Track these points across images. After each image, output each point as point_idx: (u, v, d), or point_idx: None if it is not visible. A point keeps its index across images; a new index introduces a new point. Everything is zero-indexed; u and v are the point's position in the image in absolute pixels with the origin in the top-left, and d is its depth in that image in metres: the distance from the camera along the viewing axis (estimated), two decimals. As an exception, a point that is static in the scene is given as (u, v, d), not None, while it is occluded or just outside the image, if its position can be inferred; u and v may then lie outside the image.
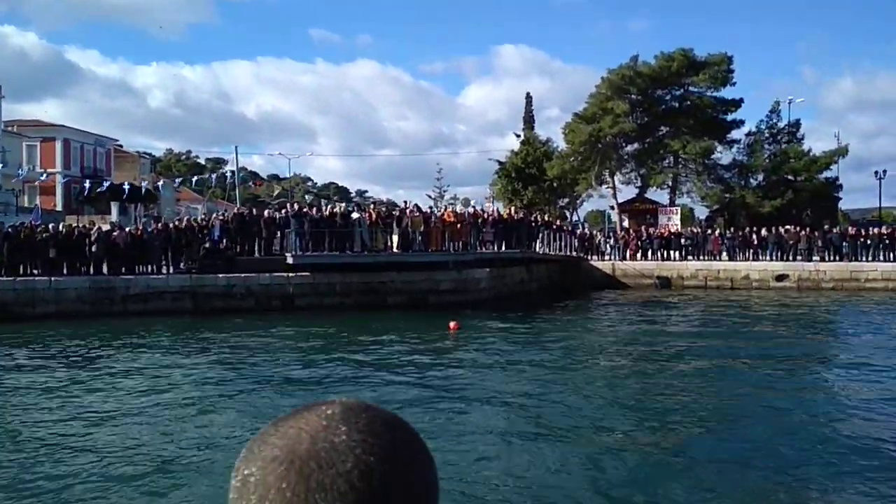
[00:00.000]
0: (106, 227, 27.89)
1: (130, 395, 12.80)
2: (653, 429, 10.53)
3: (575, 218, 57.60)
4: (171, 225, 27.62)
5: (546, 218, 40.05)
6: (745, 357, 16.48)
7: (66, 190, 58.30)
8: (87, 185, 47.48)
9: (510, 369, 15.11)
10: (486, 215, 32.64)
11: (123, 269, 25.50)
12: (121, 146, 74.61)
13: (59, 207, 55.41)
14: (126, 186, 45.49)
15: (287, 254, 26.62)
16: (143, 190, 46.84)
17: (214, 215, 29.89)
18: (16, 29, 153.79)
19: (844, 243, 37.20)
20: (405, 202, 30.20)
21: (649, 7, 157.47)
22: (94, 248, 25.26)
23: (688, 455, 9.25)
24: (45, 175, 53.42)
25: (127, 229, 27.06)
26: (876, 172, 47.05)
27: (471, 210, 33.81)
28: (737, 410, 11.60)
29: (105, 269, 25.44)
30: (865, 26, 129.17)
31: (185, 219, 29.50)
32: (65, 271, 25.11)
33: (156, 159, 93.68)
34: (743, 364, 15.70)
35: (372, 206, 31.99)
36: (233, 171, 48.10)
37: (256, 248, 27.92)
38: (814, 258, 36.70)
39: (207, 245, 26.47)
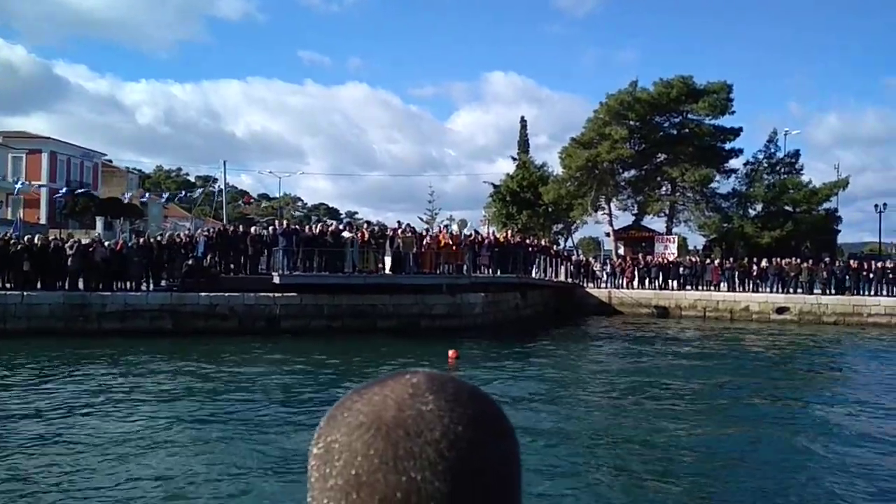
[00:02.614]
0: (85, 241, 26.68)
1: (91, 422, 11.63)
2: (645, 465, 10.19)
3: (569, 244, 56.71)
4: (153, 240, 26.42)
5: (543, 243, 39.05)
6: (747, 395, 16.03)
7: (50, 203, 57.11)
8: (62, 190, 46.23)
9: (510, 403, 14.03)
10: (482, 238, 31.67)
11: (101, 285, 24.28)
12: (109, 161, 73.54)
13: (43, 220, 54.20)
14: (95, 194, 44.22)
15: (274, 273, 25.45)
16: (127, 203, 45.67)
17: (199, 231, 28.75)
18: (4, 42, 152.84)
19: (846, 277, 36.37)
20: (398, 222, 29.13)
21: (637, 39, 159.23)
22: (70, 262, 24.02)
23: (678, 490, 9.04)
24: (30, 186, 52.33)
25: (106, 243, 25.85)
26: (876, 206, 46.62)
27: (467, 232, 32.83)
28: (731, 451, 11.13)
29: (81, 285, 24.19)
30: (850, 64, 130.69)
31: (168, 234, 28.28)
32: (39, 286, 23.87)
33: (145, 175, 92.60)
34: (744, 402, 15.24)
35: (364, 225, 30.90)
36: (221, 189, 46.92)
37: (242, 266, 26.79)
38: (815, 291, 35.85)
39: (191, 262, 25.30)
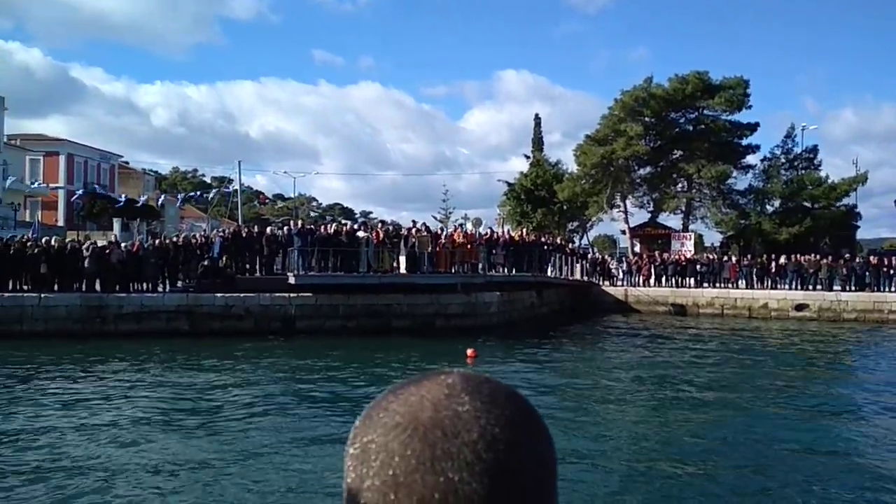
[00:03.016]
0: (102, 243, 26.82)
1: (111, 422, 11.64)
2: (663, 466, 10.00)
3: (584, 242, 56.42)
4: (168, 241, 26.50)
5: (558, 241, 38.83)
6: (767, 394, 15.73)
7: (68, 205, 57.55)
8: (79, 192, 46.62)
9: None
10: (497, 237, 31.52)
11: (117, 286, 24.38)
12: (126, 163, 74.04)
13: (60, 223, 54.64)
14: (122, 199, 44.54)
15: (289, 273, 25.46)
16: (142, 204, 45.92)
17: (214, 231, 28.82)
18: (21, 45, 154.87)
19: (867, 273, 35.88)
20: (413, 222, 29.05)
21: (648, 37, 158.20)
22: (87, 264, 24.14)
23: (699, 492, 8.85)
24: (48, 188, 52.79)
25: (123, 245, 25.96)
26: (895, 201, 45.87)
27: (482, 231, 32.69)
28: (749, 451, 10.91)
29: (98, 287, 24.30)
30: (867, 60, 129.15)
31: (184, 235, 28.36)
32: (56, 288, 24.00)
33: (161, 177, 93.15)
34: (763, 401, 14.92)
35: (379, 225, 30.84)
36: (236, 189, 47.05)
37: (258, 266, 26.83)
38: (835, 287, 35.41)
39: (206, 263, 25.35)
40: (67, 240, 27.66)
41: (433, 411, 0.65)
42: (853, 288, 35.42)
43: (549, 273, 33.96)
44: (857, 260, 37.98)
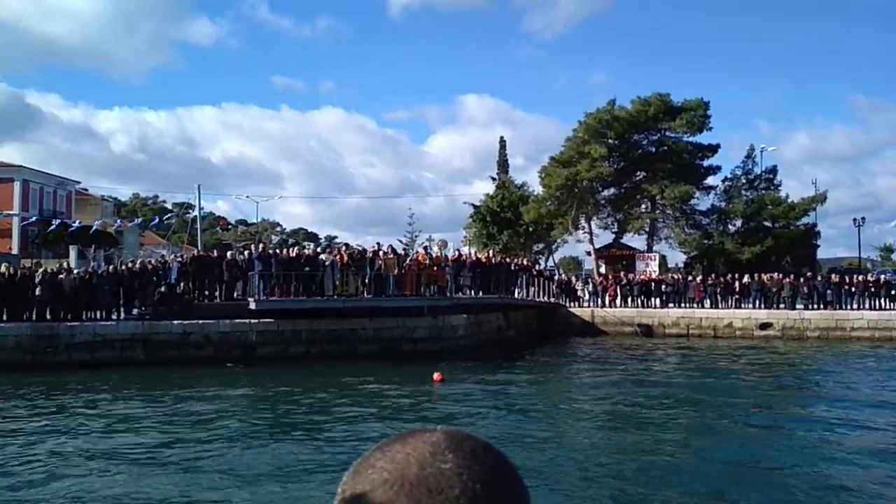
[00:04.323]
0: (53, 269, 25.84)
1: (60, 459, 10.93)
2: (624, 486, 9.89)
3: (550, 264, 56.40)
4: (124, 267, 25.62)
5: (525, 262, 38.65)
6: (732, 414, 15.63)
7: (23, 232, 55.90)
8: (32, 218, 45.32)
9: (496, 426, 13.50)
10: (464, 258, 31.19)
11: (70, 314, 23.45)
12: (85, 189, 72.37)
13: (15, 250, 53.01)
14: (76, 224, 43.36)
15: (250, 298, 24.75)
16: (97, 230, 44.70)
17: (172, 257, 27.98)
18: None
19: (828, 291, 36.27)
20: (377, 244, 28.58)
21: (606, 62, 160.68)
22: (38, 292, 23.19)
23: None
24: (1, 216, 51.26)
25: (76, 271, 25.04)
26: (854, 220, 46.94)
27: (449, 252, 32.33)
28: (717, 473, 10.71)
29: (49, 315, 23.34)
30: (816, 83, 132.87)
31: (140, 261, 27.49)
32: (4, 317, 22.99)
33: (120, 203, 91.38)
34: (728, 422, 14.81)
35: (343, 248, 30.30)
36: (195, 216, 46.07)
37: (217, 292, 26.06)
38: (797, 306, 35.71)
39: (163, 289, 24.55)
40: (13, 266, 26.57)
41: (419, 468, 0.67)
42: (816, 306, 35.77)
43: (516, 295, 33.69)
44: (819, 278, 38.42)
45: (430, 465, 0.68)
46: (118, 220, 59.53)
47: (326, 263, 25.60)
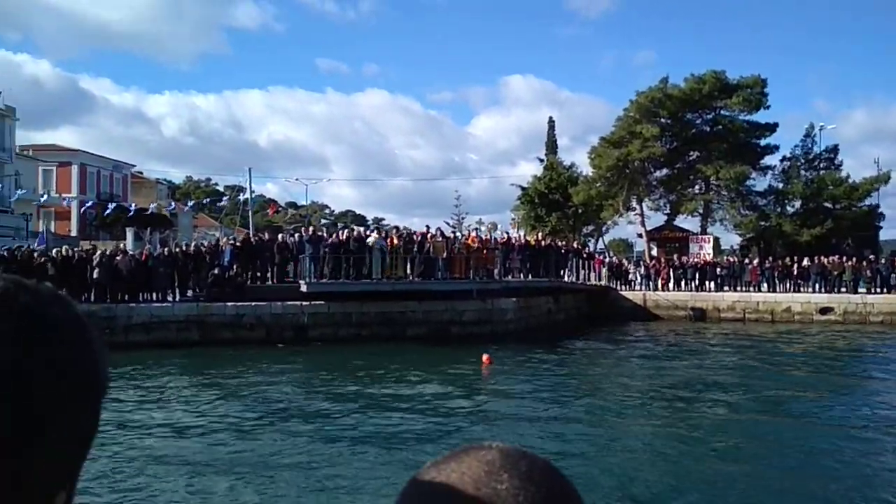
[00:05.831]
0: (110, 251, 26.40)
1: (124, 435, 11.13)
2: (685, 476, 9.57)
3: (600, 246, 55.60)
4: (178, 250, 26.04)
5: (575, 245, 38.11)
6: (795, 404, 15.02)
7: (81, 215, 57.46)
8: (89, 203, 46.56)
9: (546, 418, 13.27)
10: (513, 241, 30.87)
11: (126, 296, 23.94)
12: (140, 172, 73.99)
13: (74, 233, 54.48)
14: (133, 207, 44.33)
15: (301, 281, 24.94)
16: (153, 213, 45.64)
17: (225, 240, 28.34)
18: (30, 57, 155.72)
19: (892, 274, 34.93)
20: (427, 227, 28.48)
21: (653, 40, 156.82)
22: (95, 274, 23.73)
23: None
24: (60, 198, 52.67)
25: (131, 253, 25.53)
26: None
27: (498, 235, 32.05)
28: (785, 464, 10.35)
29: (107, 297, 23.87)
30: (876, 57, 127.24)
31: (194, 243, 27.91)
32: (64, 298, 23.54)
33: (175, 186, 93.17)
34: (792, 416, 14.06)
35: (393, 231, 30.29)
36: (247, 198, 46.68)
37: (269, 274, 26.32)
38: (860, 290, 34.49)
39: (216, 271, 24.87)
40: (76, 249, 27.23)
41: (474, 489, 0.66)
42: (879, 290, 34.51)
43: (565, 278, 33.27)
44: (882, 261, 37.03)
45: (485, 485, 0.66)
46: (172, 203, 60.71)
47: (376, 247, 25.59)
